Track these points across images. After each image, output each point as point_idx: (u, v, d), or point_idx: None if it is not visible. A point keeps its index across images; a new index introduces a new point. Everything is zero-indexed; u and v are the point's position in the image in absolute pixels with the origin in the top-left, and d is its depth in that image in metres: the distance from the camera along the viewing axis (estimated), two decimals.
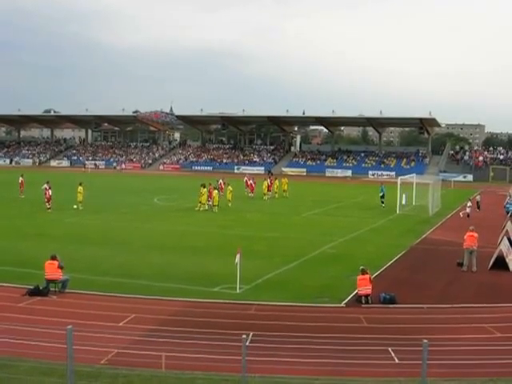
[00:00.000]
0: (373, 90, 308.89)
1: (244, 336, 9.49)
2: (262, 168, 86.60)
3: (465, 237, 21.83)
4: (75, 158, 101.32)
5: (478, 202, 42.29)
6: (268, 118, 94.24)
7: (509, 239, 23.29)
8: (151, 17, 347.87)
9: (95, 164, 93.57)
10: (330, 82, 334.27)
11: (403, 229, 32.42)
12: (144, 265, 21.06)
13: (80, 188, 37.14)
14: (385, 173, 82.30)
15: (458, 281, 19.98)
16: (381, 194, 42.34)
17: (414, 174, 45.32)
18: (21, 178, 43.96)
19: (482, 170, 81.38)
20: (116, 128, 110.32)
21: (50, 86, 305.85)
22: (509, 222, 28.47)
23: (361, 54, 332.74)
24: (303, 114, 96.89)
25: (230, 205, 40.08)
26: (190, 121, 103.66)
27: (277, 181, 49.61)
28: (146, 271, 19.94)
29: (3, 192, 45.96)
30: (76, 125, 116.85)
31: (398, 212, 38.42)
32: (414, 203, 41.25)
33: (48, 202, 36.03)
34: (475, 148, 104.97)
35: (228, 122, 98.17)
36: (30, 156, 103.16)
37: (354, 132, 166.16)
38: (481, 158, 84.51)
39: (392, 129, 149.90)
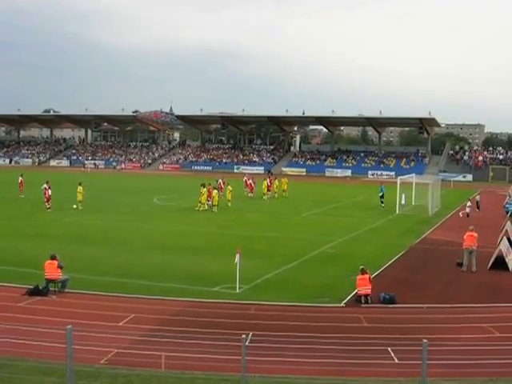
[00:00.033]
0: (373, 89, 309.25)
1: (244, 336, 9.50)
2: (262, 168, 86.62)
3: (464, 237, 21.84)
4: (75, 157, 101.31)
5: (477, 202, 42.30)
6: (268, 117, 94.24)
7: (508, 239, 23.31)
8: (151, 17, 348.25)
9: (95, 164, 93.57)
10: (330, 81, 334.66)
11: (403, 229, 32.43)
12: (144, 265, 21.06)
13: (80, 188, 37.15)
14: (384, 173, 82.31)
15: (458, 281, 19.98)
16: (380, 194, 42.35)
17: (414, 174, 45.37)
18: (20, 178, 43.96)
19: (482, 170, 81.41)
20: (116, 128, 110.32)
21: (49, 85, 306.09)
22: (508, 222, 28.49)
23: (361, 54, 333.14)
24: (303, 113, 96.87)
25: (229, 205, 40.08)
26: (189, 121, 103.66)
27: (276, 181, 49.63)
28: (146, 271, 19.94)
29: (3, 192, 45.96)
30: (76, 124, 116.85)
31: (397, 212, 38.43)
32: (413, 203, 41.26)
33: (48, 201, 36.04)
34: (475, 148, 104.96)
35: (228, 121, 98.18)
36: (30, 156, 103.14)
37: (353, 132, 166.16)
38: (480, 158, 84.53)
39: (392, 129, 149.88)
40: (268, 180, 48.23)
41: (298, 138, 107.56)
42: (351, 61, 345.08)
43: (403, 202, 40.19)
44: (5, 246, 23.56)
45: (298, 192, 51.99)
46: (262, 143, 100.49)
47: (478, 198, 44.58)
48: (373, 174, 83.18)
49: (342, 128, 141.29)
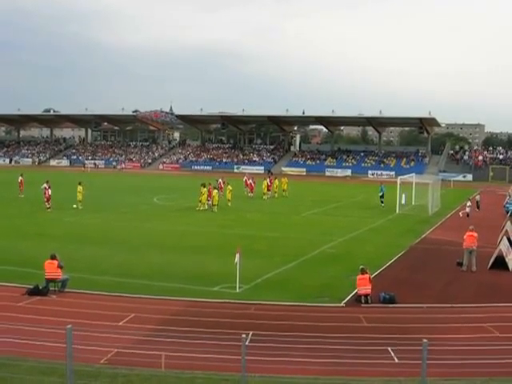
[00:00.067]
0: (373, 89, 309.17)
1: (244, 335, 9.50)
2: (262, 167, 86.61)
3: (464, 236, 21.84)
4: (75, 157, 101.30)
5: (477, 202, 42.30)
6: (268, 117, 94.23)
7: (508, 239, 23.30)
8: (151, 17, 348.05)
9: (95, 163, 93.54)
10: (330, 81, 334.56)
11: (403, 228, 32.43)
12: (144, 264, 21.06)
13: (80, 187, 37.15)
14: (384, 172, 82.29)
15: (458, 280, 19.99)
16: (380, 194, 42.35)
17: (414, 174, 45.36)
18: (20, 178, 43.96)
19: (482, 170, 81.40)
20: (116, 127, 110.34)
21: (49, 85, 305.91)
22: (508, 222, 28.49)
23: (361, 54, 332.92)
24: (303, 113, 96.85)
25: (229, 204, 40.09)
26: (189, 120, 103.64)
27: (276, 180, 49.61)
28: (146, 271, 19.94)
29: (3, 191, 45.95)
30: (76, 124, 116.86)
31: (397, 212, 38.43)
32: (413, 203, 41.26)
33: (48, 201, 36.04)
34: (475, 148, 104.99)
35: (228, 121, 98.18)
36: (30, 155, 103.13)
37: (353, 132, 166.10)
38: (480, 158, 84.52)
39: (392, 128, 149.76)
40: (268, 180, 48.22)
41: (298, 138, 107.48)
42: (351, 61, 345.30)
43: (403, 201, 40.20)
44: (5, 246, 23.57)
45: (298, 192, 51.99)
46: (262, 143, 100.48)
47: (478, 197, 44.59)
48: (373, 174, 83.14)
49: (342, 128, 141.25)
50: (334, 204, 44.04)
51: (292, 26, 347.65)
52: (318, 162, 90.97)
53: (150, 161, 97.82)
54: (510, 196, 43.50)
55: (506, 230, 25.41)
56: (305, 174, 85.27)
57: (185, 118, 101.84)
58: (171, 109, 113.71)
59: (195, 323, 14.26)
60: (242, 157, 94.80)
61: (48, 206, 35.90)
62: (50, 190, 36.17)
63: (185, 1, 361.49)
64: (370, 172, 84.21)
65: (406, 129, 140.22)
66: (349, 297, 17.07)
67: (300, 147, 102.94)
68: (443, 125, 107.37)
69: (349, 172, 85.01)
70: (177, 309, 15.68)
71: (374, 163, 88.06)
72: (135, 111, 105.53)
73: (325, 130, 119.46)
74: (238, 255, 17.23)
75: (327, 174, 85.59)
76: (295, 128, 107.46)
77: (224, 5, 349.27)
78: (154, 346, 12.41)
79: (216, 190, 38.74)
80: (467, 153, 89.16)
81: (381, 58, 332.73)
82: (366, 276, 17.07)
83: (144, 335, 13.31)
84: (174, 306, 15.89)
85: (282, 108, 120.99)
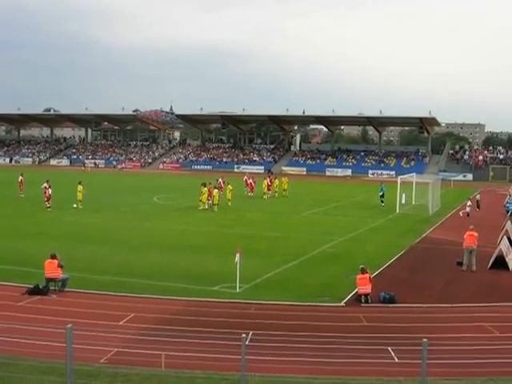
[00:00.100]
0: (373, 89, 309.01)
1: (244, 335, 9.50)
2: (262, 167, 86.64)
3: (464, 236, 21.84)
4: (75, 156, 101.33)
5: (477, 202, 42.30)
6: (268, 117, 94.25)
7: (508, 238, 23.29)
8: (151, 16, 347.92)
9: (95, 163, 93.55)
10: (330, 81, 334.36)
11: (403, 228, 32.43)
12: (144, 264, 21.07)
13: (80, 187, 37.15)
14: (385, 172, 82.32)
15: (458, 280, 19.98)
16: (380, 194, 42.35)
17: (414, 174, 45.36)
18: (20, 177, 43.96)
19: (482, 170, 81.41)
20: (116, 127, 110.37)
21: (49, 84, 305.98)
22: (508, 222, 28.47)
23: (361, 54, 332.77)
24: (303, 113, 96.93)
25: (229, 204, 40.09)
26: (189, 120, 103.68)
27: (276, 180, 49.61)
28: (146, 270, 19.94)
29: (3, 191, 45.94)
30: (76, 124, 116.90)
31: (397, 211, 38.43)
32: (413, 202, 41.26)
33: (48, 200, 36.05)
34: (475, 147, 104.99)
35: (228, 121, 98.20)
36: (30, 155, 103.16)
37: (353, 131, 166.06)
38: (481, 158, 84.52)
39: (392, 128, 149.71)
40: (268, 179, 48.23)
41: (298, 138, 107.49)
42: (351, 60, 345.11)
43: (403, 201, 40.19)
44: (5, 245, 23.57)
45: (298, 191, 51.98)
46: (262, 142, 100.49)
47: (478, 197, 44.58)
48: (373, 174, 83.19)
49: (342, 127, 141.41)
50: (334, 204, 44.04)
51: (292, 25, 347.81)
52: (318, 161, 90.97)
53: (150, 160, 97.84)
54: (510, 196, 43.49)
55: (506, 230, 25.41)
56: (305, 173, 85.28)
57: (185, 118, 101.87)
58: (171, 108, 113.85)
59: (195, 323, 14.26)
60: (242, 156, 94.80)
61: (48, 206, 35.91)
62: (50, 190, 36.19)
63: (185, 0, 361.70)
64: (370, 172, 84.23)
65: (407, 128, 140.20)
66: (349, 296, 17.07)
67: (300, 147, 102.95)
68: (443, 124, 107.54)
69: (349, 172, 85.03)
70: (177, 308, 15.68)
71: (374, 163, 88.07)
72: (135, 111, 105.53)
73: (325, 129, 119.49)
74: (238, 255, 17.23)
75: (327, 173, 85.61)
76: (295, 127, 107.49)
77: (224, 5, 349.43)
78: (154, 345, 12.41)
79: (216, 190, 38.77)
80: (467, 152, 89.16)
81: (381, 58, 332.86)
82: (366, 276, 17.07)
83: (144, 335, 13.31)
84: (174, 306, 15.89)
85: (282, 107, 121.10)
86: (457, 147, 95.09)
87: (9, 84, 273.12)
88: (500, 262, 21.23)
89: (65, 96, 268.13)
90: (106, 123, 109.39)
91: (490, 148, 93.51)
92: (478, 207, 41.29)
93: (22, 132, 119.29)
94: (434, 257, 24.01)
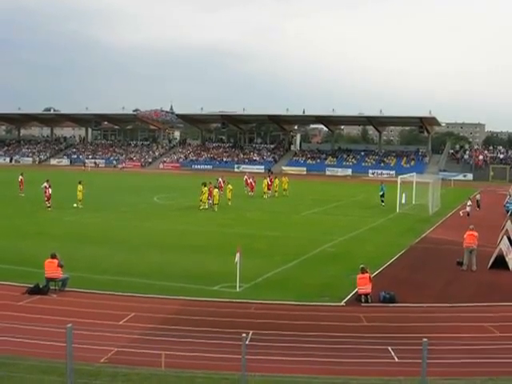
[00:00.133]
0: (373, 89, 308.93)
1: (244, 335, 9.50)
2: (262, 167, 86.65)
3: (465, 236, 21.83)
4: (75, 156, 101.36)
5: (477, 201, 42.31)
6: (268, 116, 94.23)
7: (509, 238, 23.28)
8: (151, 16, 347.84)
9: (95, 162, 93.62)
10: (330, 81, 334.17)
11: (403, 228, 32.43)
12: (144, 263, 21.07)
13: (80, 186, 37.16)
14: (385, 172, 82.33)
15: (458, 280, 19.98)
16: (381, 193, 42.35)
17: (414, 173, 45.36)
18: (20, 177, 43.97)
19: (482, 169, 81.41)
20: (116, 126, 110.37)
21: (49, 84, 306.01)
22: (509, 222, 28.45)
23: (361, 54, 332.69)
24: (303, 112, 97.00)
25: (229, 203, 40.10)
26: (190, 119, 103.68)
27: (276, 179, 49.61)
28: (146, 270, 19.94)
29: (3, 190, 45.92)
30: (76, 123, 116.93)
31: (397, 211, 38.43)
32: (413, 202, 41.25)
33: (48, 200, 36.05)
34: (475, 147, 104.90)
35: (228, 120, 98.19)
36: (30, 154, 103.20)
37: (353, 131, 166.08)
38: (481, 157, 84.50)
39: (392, 128, 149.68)
40: (268, 179, 48.24)
41: (298, 137, 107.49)
42: (351, 60, 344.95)
43: (403, 201, 40.19)
44: (5, 245, 23.57)
45: (298, 191, 51.99)
46: (262, 142, 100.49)
47: (478, 197, 44.58)
48: (373, 173, 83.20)
49: (342, 127, 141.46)
50: (335, 203, 44.04)
51: (292, 25, 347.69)
52: (318, 161, 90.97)
53: (150, 160, 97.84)
54: (510, 195, 43.49)
55: (507, 230, 25.40)
56: (305, 173, 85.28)
57: (185, 118, 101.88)
58: (171, 108, 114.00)
59: (195, 322, 14.26)
60: (242, 156, 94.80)
61: (48, 205, 35.91)
62: (50, 189, 36.18)
63: (185, 0, 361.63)
64: (370, 171, 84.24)
65: (407, 128, 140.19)
66: (349, 296, 17.07)
67: (300, 146, 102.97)
68: (443, 124, 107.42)
69: (349, 171, 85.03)
70: (177, 308, 15.69)
71: (374, 162, 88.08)
72: (135, 110, 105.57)
73: (325, 129, 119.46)
74: (238, 254, 17.23)
75: (327, 173, 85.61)
76: (295, 127, 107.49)
77: (224, 5, 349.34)
78: (154, 345, 12.41)
79: (216, 189, 38.79)
80: (467, 152, 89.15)
81: (381, 58, 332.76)
82: (366, 275, 17.06)
83: (144, 334, 13.31)
84: (174, 306, 15.89)
85: (282, 107, 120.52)
86: (457, 147, 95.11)
87: (9, 84, 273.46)
88: (500, 262, 21.23)
89: (65, 96, 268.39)
90: (106, 123, 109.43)
91: (490, 148, 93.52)
92: (478, 207, 41.29)
93: (22, 131, 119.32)
94: (434, 256, 24.00)
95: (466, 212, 36.99)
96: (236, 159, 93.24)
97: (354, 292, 17.18)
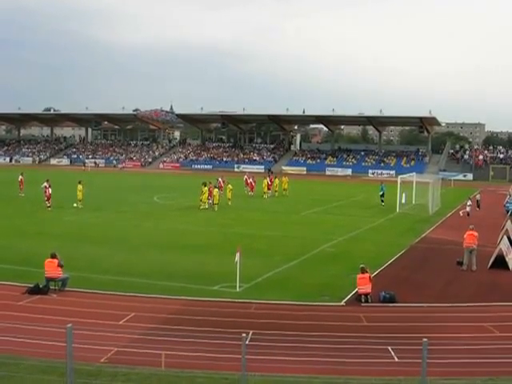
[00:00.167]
0: (373, 89, 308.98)
1: (244, 334, 9.49)
2: (262, 167, 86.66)
3: (465, 236, 21.83)
4: (75, 156, 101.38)
5: (477, 201, 42.31)
6: (268, 116, 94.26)
7: (509, 238, 23.28)
8: (151, 16, 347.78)
9: (95, 162, 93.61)
10: (330, 81, 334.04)
11: (403, 228, 32.43)
12: (144, 263, 21.07)
13: (80, 186, 37.15)
14: (385, 171, 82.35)
15: (458, 280, 19.98)
16: (381, 193, 42.37)
17: (414, 173, 45.35)
18: (20, 177, 43.96)
19: (482, 169, 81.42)
20: (116, 126, 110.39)
21: (49, 84, 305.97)
22: (509, 221, 28.45)
23: (361, 54, 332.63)
24: (303, 112, 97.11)
25: (229, 203, 40.10)
26: (190, 119, 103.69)
27: (276, 179, 49.61)
28: (146, 270, 19.94)
29: (3, 190, 45.92)
30: (76, 123, 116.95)
31: (397, 211, 38.44)
32: (413, 202, 41.25)
33: (48, 200, 36.04)
34: (475, 147, 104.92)
35: (228, 120, 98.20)
36: (30, 154, 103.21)
37: (353, 131, 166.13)
38: (481, 157, 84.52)
39: (392, 128, 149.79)
40: (268, 179, 48.24)
41: (298, 137, 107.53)
42: (351, 60, 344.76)
43: (403, 200, 40.19)
44: (5, 245, 23.56)
45: (298, 191, 51.99)
46: (262, 142, 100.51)
47: (478, 197, 44.59)
48: (373, 173, 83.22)
49: (342, 127, 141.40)
50: (335, 203, 44.04)
51: (292, 25, 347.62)
52: (318, 161, 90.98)
53: (150, 160, 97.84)
54: (510, 195, 43.47)
55: (507, 230, 25.40)
56: (305, 173, 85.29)
57: (185, 117, 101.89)
58: (171, 108, 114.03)
59: (195, 322, 14.26)
60: (242, 156, 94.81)
61: (48, 205, 35.90)
62: (50, 189, 36.17)
63: (185, 0, 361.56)
64: (370, 171, 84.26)
65: (407, 128, 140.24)
66: (349, 296, 17.07)
67: (300, 146, 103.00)
68: (443, 124, 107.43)
69: (349, 171, 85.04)
70: (177, 308, 15.68)
71: (374, 162, 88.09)
72: (135, 110, 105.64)
73: (325, 129, 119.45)
74: (238, 254, 17.23)
75: (327, 173, 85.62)
76: (295, 127, 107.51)
77: (224, 4, 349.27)
78: (154, 344, 12.41)
79: (216, 189, 38.81)
80: (467, 152, 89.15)
81: (381, 58, 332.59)
82: (366, 275, 17.06)
83: (144, 334, 13.31)
84: (174, 305, 15.89)
85: (282, 107, 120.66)
86: (457, 147, 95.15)
87: (9, 83, 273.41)
88: (500, 262, 21.23)
89: (65, 95, 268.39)
90: (106, 123, 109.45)
91: (490, 148, 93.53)
92: (478, 207, 41.30)
93: (22, 131, 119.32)
94: (434, 256, 24.00)
95: (466, 212, 36.99)
96: (236, 159, 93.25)
97: (354, 292, 17.18)
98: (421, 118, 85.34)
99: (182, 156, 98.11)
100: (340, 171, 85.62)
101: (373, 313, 15.75)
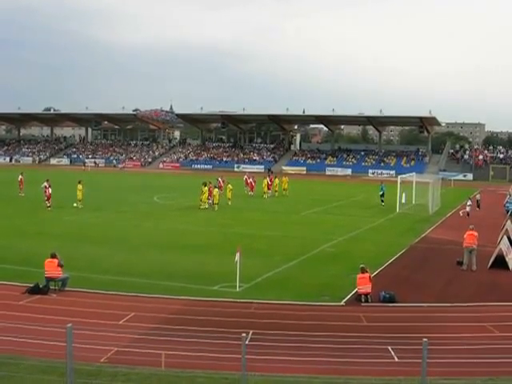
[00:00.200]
0: (373, 89, 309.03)
1: (244, 334, 9.49)
2: (262, 166, 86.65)
3: (465, 236, 21.83)
4: (75, 156, 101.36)
5: (477, 201, 42.31)
6: (268, 116, 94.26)
7: (508, 238, 23.28)
8: (151, 16, 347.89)
9: (95, 162, 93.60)
10: (330, 81, 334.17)
11: (403, 227, 32.43)
12: (144, 263, 21.07)
13: (80, 186, 37.15)
14: (385, 171, 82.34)
15: (458, 280, 19.98)
16: (381, 193, 42.38)
17: (414, 173, 45.31)
18: (20, 176, 43.96)
19: (482, 169, 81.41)
20: (116, 126, 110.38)
21: (49, 84, 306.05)
22: (508, 221, 28.45)
23: (361, 54, 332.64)
24: (303, 112, 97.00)
25: (229, 203, 40.09)
26: (189, 119, 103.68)
27: (276, 179, 49.60)
28: (146, 269, 19.94)
29: (3, 190, 45.91)
30: (76, 123, 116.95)
31: (397, 211, 38.44)
32: (413, 202, 41.21)
33: (48, 200, 36.03)
34: (475, 147, 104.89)
35: (228, 120, 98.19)
36: (30, 154, 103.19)
37: (353, 131, 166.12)
38: (481, 157, 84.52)
39: (392, 127, 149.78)
40: (268, 179, 48.25)
41: (298, 137, 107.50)
42: (351, 60, 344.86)
43: (403, 200, 40.18)
44: (5, 245, 23.55)
45: (298, 191, 51.99)
46: (262, 142, 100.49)
47: (478, 196, 44.58)
48: (373, 173, 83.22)
49: (342, 127, 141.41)
50: (335, 203, 44.04)
51: (292, 25, 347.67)
52: (318, 161, 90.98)
53: (150, 160, 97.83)
54: (510, 195, 43.46)
55: (506, 229, 25.40)
56: (305, 172, 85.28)
57: (185, 117, 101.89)
58: (171, 108, 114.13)
59: (195, 322, 14.26)
60: (242, 156, 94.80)
61: (48, 205, 35.90)
62: (50, 189, 36.16)
63: (185, 0, 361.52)
64: (370, 171, 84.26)
65: (407, 128, 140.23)
66: (349, 296, 17.07)
67: (300, 146, 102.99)
68: (443, 124, 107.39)
69: (349, 171, 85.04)
70: (177, 308, 15.68)
71: (374, 162, 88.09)
72: (135, 110, 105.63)
73: (325, 129, 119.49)
74: (238, 254, 17.23)
75: (327, 173, 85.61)
76: (295, 127, 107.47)
77: (224, 4, 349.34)
78: (154, 344, 12.41)
79: (216, 189, 38.83)
80: (467, 152, 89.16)
81: (381, 58, 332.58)
82: (366, 275, 17.06)
83: (144, 334, 13.30)
84: (173, 305, 15.89)
85: (282, 107, 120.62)
86: (457, 147, 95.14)
87: (9, 83, 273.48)
88: (500, 262, 21.23)
89: (65, 95, 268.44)
90: (106, 122, 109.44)
91: (490, 147, 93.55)
92: (478, 207, 41.30)
93: (22, 131, 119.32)
94: (434, 256, 24.00)
95: (466, 212, 36.99)
96: (236, 159, 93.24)
97: (353, 292, 17.18)
98: (421, 118, 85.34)
99: (181, 156, 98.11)
100: (340, 171, 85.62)
101: (373, 313, 15.75)
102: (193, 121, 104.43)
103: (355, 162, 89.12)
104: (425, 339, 9.24)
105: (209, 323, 14.15)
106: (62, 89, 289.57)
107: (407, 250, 25.04)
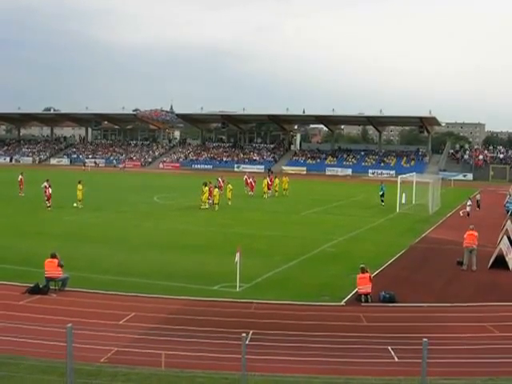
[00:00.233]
0: (373, 88, 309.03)
1: (244, 334, 9.49)
2: (262, 166, 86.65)
3: (465, 236, 21.84)
4: (75, 156, 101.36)
5: (477, 201, 42.31)
6: (268, 116, 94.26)
7: (509, 238, 23.28)
8: (151, 16, 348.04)
9: (95, 162, 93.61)
10: (330, 81, 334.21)
11: (403, 228, 32.43)
12: (144, 263, 21.07)
13: (80, 186, 37.15)
14: (385, 171, 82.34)
15: (458, 280, 19.98)
16: (381, 193, 42.38)
17: (414, 173, 45.29)
18: (20, 176, 43.96)
19: (482, 169, 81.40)
20: (116, 126, 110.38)
21: (49, 83, 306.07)
22: (509, 221, 28.44)
23: (361, 54, 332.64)
24: (303, 112, 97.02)
25: (229, 203, 40.09)
26: (190, 119, 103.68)
27: (277, 179, 49.60)
28: (146, 269, 19.94)
29: (3, 190, 45.90)
30: (76, 123, 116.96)
31: (397, 211, 38.43)
32: (413, 202, 41.22)
33: (48, 200, 36.03)
34: (475, 147, 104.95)
35: (228, 120, 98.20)
36: (30, 154, 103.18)
37: (353, 131, 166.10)
38: (481, 157, 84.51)
39: (392, 127, 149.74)
40: (268, 178, 48.24)
41: (298, 137, 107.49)
42: (351, 60, 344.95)
43: (403, 200, 40.20)
44: (5, 245, 23.55)
45: (298, 191, 51.98)
46: (262, 142, 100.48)
47: (478, 197, 44.59)
48: (373, 173, 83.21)
49: (342, 127, 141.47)
50: (335, 203, 44.03)
51: (292, 25, 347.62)
52: (318, 161, 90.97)
53: (150, 160, 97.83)
54: (510, 195, 43.45)
55: (507, 230, 25.40)
56: (305, 172, 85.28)
57: (185, 117, 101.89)
58: (171, 108, 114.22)
59: (195, 322, 14.26)
60: (242, 156, 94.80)
61: (48, 205, 35.90)
62: (50, 189, 36.16)
63: (185, 0, 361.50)
64: (370, 171, 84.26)
65: (407, 128, 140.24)
66: (349, 296, 17.07)
67: (300, 146, 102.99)
68: (443, 124, 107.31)
69: (349, 171, 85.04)
70: (177, 308, 15.68)
71: (374, 162, 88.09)
72: (135, 110, 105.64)
73: (325, 129, 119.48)
74: (238, 254, 17.22)
75: (328, 173, 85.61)
76: (295, 127, 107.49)
77: (224, 4, 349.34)
78: (154, 344, 12.41)
79: (217, 189, 38.84)
80: (467, 152, 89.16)
81: (381, 58, 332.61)
82: (367, 275, 17.06)
83: (144, 334, 13.30)
84: (173, 305, 15.89)
85: (282, 107, 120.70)
86: (457, 147, 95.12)
87: (9, 83, 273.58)
88: (500, 262, 21.23)
89: (65, 95, 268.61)
90: (106, 122, 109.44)
91: (490, 147, 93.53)
92: (478, 207, 41.29)
93: (22, 131, 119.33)
94: (434, 256, 24.00)
95: (466, 212, 36.99)
96: (236, 159, 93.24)
97: (354, 292, 17.18)
98: (421, 118, 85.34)
99: (182, 156, 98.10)
100: (340, 171, 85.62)
101: (373, 313, 15.75)
102: (193, 121, 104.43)
103: (355, 162, 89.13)
104: (425, 339, 9.24)
105: (209, 323, 14.14)
106: (61, 89, 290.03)
107: (407, 250, 25.04)
